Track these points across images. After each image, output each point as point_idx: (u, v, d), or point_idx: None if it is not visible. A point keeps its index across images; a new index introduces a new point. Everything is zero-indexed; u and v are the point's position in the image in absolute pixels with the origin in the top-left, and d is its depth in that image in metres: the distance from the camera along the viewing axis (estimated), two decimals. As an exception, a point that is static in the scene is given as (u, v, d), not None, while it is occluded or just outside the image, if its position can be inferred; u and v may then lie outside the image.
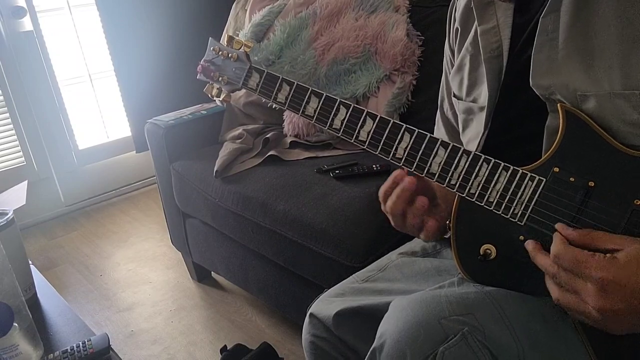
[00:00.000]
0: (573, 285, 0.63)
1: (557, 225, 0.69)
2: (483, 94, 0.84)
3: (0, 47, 2.30)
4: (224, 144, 1.76)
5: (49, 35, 2.44)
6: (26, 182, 1.22)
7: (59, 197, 2.63)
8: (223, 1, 2.18)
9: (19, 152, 2.47)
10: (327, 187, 1.43)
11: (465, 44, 0.88)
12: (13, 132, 2.43)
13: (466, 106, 0.89)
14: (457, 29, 0.91)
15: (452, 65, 0.94)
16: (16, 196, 1.17)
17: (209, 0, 2.36)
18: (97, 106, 2.72)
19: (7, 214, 1.07)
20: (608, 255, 0.61)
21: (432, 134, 0.80)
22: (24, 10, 2.32)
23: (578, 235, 0.66)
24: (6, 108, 2.38)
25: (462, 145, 0.79)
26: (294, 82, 0.89)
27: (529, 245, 0.71)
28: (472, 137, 0.87)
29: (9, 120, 2.41)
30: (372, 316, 0.83)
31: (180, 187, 1.79)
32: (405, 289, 0.91)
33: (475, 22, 0.84)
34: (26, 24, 2.35)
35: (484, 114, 0.83)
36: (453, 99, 0.94)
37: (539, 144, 0.75)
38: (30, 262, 1.16)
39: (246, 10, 1.95)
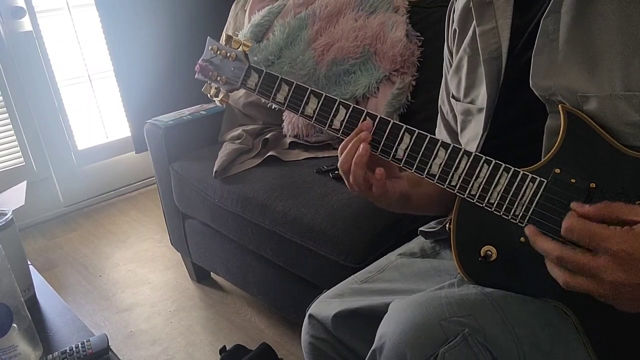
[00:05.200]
0: (583, 262, 0.60)
1: (572, 204, 0.65)
2: (481, 95, 0.83)
3: (-1, 48, 2.30)
4: (224, 144, 1.76)
5: (49, 36, 2.44)
6: (25, 182, 1.22)
7: (58, 197, 2.63)
8: (223, 1, 2.17)
9: (18, 152, 2.47)
10: (326, 187, 1.43)
11: (463, 44, 0.88)
12: (12, 132, 2.43)
13: (464, 107, 0.88)
14: (455, 30, 0.91)
15: (451, 67, 0.94)
16: (15, 196, 1.17)
17: (209, 0, 2.36)
18: (97, 106, 2.72)
19: (6, 214, 1.07)
20: (625, 227, 0.59)
21: (433, 135, 0.80)
22: (23, 11, 2.32)
23: (595, 209, 0.63)
24: (5, 108, 2.38)
25: (461, 146, 0.79)
26: (293, 82, 0.89)
27: (528, 229, 0.68)
28: (470, 138, 0.87)
29: (8, 120, 2.40)
30: (371, 317, 0.83)
31: (179, 187, 1.78)
32: (404, 289, 0.90)
33: (474, 23, 0.84)
34: (25, 24, 2.35)
35: (482, 116, 0.83)
36: (452, 100, 0.94)
37: (539, 146, 0.75)
38: (29, 263, 1.16)
39: (245, 10, 1.95)
